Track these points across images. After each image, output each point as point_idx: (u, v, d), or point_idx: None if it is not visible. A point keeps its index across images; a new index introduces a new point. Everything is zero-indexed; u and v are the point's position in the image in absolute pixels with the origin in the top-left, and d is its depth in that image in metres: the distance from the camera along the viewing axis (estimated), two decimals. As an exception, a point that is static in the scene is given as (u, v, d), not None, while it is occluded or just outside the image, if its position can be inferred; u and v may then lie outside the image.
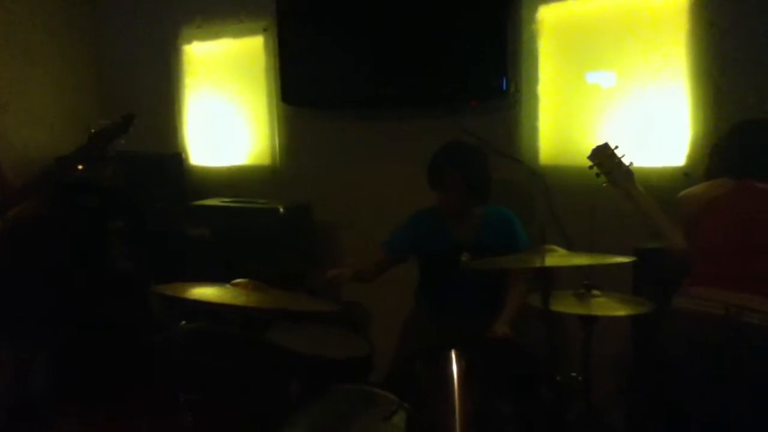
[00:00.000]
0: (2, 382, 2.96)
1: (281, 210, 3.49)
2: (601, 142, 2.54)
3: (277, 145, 3.91)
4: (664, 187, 2.74)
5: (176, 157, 4.14)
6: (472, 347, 1.93)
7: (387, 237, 3.00)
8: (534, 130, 3.21)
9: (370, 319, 3.58)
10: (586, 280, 2.50)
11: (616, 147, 2.51)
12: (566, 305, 2.42)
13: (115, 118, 2.66)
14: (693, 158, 2.86)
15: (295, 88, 3.70)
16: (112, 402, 3.49)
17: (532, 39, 3.16)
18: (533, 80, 3.18)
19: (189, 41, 4.12)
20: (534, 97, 3.19)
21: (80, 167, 3.33)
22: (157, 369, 3.25)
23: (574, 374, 2.48)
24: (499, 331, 2.60)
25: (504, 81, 3.13)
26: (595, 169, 2.52)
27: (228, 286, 2.19)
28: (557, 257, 2.18)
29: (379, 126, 3.56)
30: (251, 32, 3.89)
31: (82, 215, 3.83)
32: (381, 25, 3.39)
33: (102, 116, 4.20)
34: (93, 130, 2.62)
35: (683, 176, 2.84)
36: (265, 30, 3.84)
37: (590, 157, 2.53)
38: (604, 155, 2.52)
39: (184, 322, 2.89)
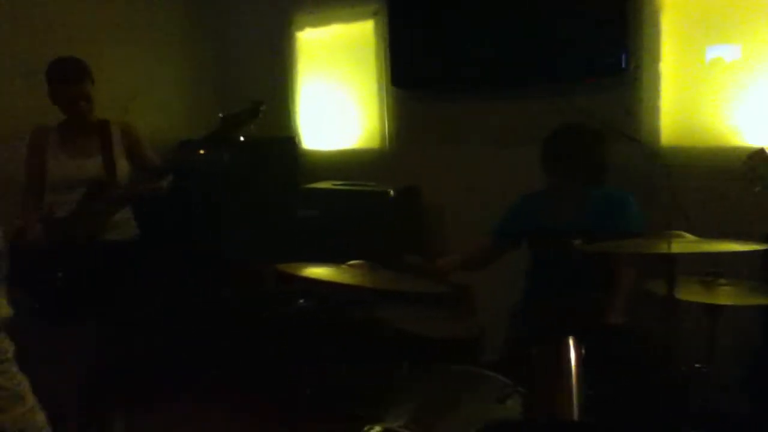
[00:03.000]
0: (83, 358, 2.93)
1: (391, 193, 3.51)
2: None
3: (387, 129, 3.94)
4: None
5: (289, 141, 4.24)
6: (587, 334, 1.88)
7: (495, 226, 2.94)
8: (655, 109, 3.06)
9: (480, 301, 3.55)
10: (711, 268, 2.37)
11: None
12: (691, 293, 2.32)
13: (244, 104, 2.64)
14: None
15: (405, 71, 3.71)
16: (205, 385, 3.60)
17: (655, 13, 3.01)
18: (655, 56, 3.03)
19: (301, 28, 4.21)
20: (656, 74, 3.04)
21: (201, 152, 3.48)
22: (274, 348, 3.37)
23: (698, 365, 2.38)
24: (612, 320, 2.52)
25: (623, 57, 3.01)
26: (750, 176, 2.36)
27: (344, 266, 2.24)
28: (684, 243, 2.08)
29: (491, 107, 3.50)
30: (361, 16, 3.93)
31: (198, 199, 3.97)
32: (493, 3, 3.34)
33: (220, 103, 4.44)
34: (221, 115, 2.62)
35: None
36: (375, 14, 3.87)
37: (744, 164, 2.38)
38: (759, 161, 2.36)
39: (302, 301, 2.97)
